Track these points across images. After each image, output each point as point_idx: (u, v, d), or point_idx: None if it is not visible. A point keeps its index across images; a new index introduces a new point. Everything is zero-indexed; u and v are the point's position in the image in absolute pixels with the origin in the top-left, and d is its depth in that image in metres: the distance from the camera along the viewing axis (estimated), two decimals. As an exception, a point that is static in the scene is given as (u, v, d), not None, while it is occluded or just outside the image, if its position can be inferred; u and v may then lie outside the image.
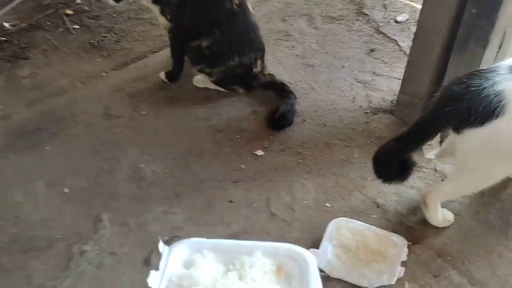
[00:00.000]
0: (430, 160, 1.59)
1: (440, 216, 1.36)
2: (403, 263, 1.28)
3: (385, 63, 2.00)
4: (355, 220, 1.38)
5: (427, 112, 1.23)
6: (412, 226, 1.40)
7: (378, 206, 1.46)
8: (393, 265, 1.26)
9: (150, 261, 1.31)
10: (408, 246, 1.33)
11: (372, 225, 1.38)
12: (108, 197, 1.49)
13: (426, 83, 1.57)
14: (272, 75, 1.85)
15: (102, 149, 1.65)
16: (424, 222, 1.40)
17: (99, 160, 1.61)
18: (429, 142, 1.61)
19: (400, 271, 1.24)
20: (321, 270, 1.27)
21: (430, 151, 1.61)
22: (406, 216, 1.43)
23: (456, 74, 1.48)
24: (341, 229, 1.35)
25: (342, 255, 1.30)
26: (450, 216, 1.39)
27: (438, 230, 1.38)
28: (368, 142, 1.67)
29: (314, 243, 1.33)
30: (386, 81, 1.91)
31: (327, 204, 1.47)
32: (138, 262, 1.32)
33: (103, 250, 1.35)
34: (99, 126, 1.73)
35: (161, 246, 0.87)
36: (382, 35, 2.16)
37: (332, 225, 1.35)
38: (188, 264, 0.84)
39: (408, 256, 1.30)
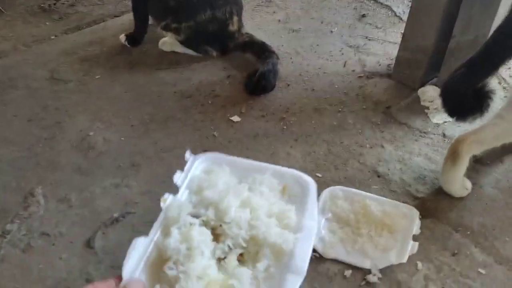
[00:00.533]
0: (437, 124, 1.34)
1: (459, 181, 1.11)
2: (415, 238, 1.01)
3: (379, 28, 1.78)
4: (354, 189, 1.11)
5: (500, 28, 0.97)
6: (422, 197, 1.14)
7: (379, 176, 1.20)
8: (404, 240, 0.99)
9: (93, 242, 1.02)
10: (419, 220, 1.07)
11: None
12: (46, 169, 1.20)
13: (432, 34, 1.34)
14: (250, 34, 1.60)
15: (43, 115, 1.36)
16: (436, 193, 1.15)
17: (38, 128, 1.31)
18: (435, 106, 1.38)
19: (412, 246, 0.97)
20: (313, 250, 1.00)
21: (436, 115, 1.37)
22: (413, 186, 1.17)
23: (469, 20, 1.26)
24: (337, 200, 1.08)
25: (338, 230, 1.03)
26: (468, 184, 1.13)
27: (453, 201, 1.13)
28: (364, 107, 1.42)
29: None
30: (381, 46, 1.68)
31: (318, 174, 1.20)
32: (78, 244, 1.02)
33: (32, 230, 1.05)
34: (42, 92, 1.45)
35: (188, 154, 0.95)
36: (373, 1, 1.94)
37: (326, 194, 1.09)
38: (208, 171, 0.93)
39: (420, 230, 1.04)
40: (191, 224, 0.79)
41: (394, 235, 1.01)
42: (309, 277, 0.97)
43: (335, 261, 0.99)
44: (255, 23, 1.79)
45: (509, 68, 1.53)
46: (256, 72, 1.45)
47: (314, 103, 1.44)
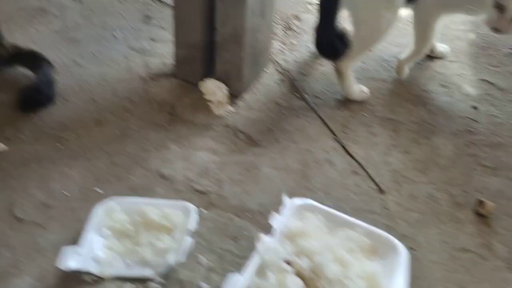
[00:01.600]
0: (220, 117, 1.38)
1: (356, 87, 1.42)
2: (197, 234, 1.02)
3: (164, 29, 1.76)
4: (130, 198, 1.07)
5: None
6: (205, 190, 1.16)
7: (164, 178, 1.18)
8: (181, 239, 0.98)
9: None
10: (201, 213, 1.08)
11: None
12: None
13: (198, 30, 1.36)
14: (15, 45, 1.43)
15: None
16: (218, 183, 1.17)
17: None
18: (218, 98, 1.42)
19: (187, 244, 0.97)
20: (89, 273, 0.93)
21: (219, 107, 1.40)
22: (197, 181, 1.18)
23: (226, 14, 1.31)
24: (113, 213, 1.03)
25: (116, 245, 0.98)
26: (364, 89, 1.43)
27: (234, 188, 1.16)
28: (148, 110, 1.39)
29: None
30: (166, 46, 1.66)
31: (98, 190, 1.13)
32: None
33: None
34: None
35: (284, 197, 0.96)
36: (158, 1, 1.92)
37: (99, 210, 1.02)
38: (301, 218, 0.93)
39: (200, 224, 1.05)
40: (285, 271, 0.80)
41: (174, 235, 1.00)
42: (85, 304, 0.90)
43: (116, 279, 0.94)
44: (27, 37, 1.62)
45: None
46: (29, 86, 1.31)
47: (95, 115, 1.36)
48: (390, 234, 1.03)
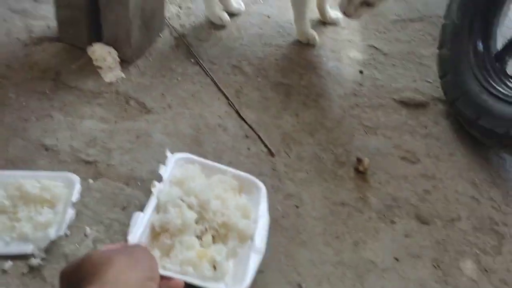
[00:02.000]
0: (110, 83, 1.32)
1: (218, 13, 1.55)
2: (81, 204, 0.99)
3: (49, -12, 1.62)
4: (5, 172, 1.01)
5: None
6: (93, 160, 1.12)
7: (47, 149, 1.12)
8: (63, 211, 0.95)
9: None
10: (88, 184, 1.05)
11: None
12: None
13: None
14: None
15: None
16: (107, 153, 1.14)
17: None
18: (107, 64, 1.36)
19: (70, 216, 0.94)
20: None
21: (109, 73, 1.34)
22: (83, 151, 1.13)
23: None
24: (-14, 189, 0.96)
25: (-9, 222, 0.92)
26: (225, 18, 1.57)
27: (123, 157, 1.14)
28: (28, 77, 1.29)
29: None
30: (51, 7, 1.52)
31: (-30, 164, 1.05)
32: None
33: None
34: None
35: (167, 152, 1.08)
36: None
37: (-31, 186, 0.95)
38: (184, 168, 1.08)
39: (87, 195, 1.02)
40: (181, 205, 0.96)
41: (56, 208, 0.96)
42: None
43: (-7, 260, 0.89)
44: None
45: None
46: None
47: (-34, 82, 1.24)
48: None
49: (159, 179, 1.02)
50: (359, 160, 1.21)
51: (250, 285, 0.88)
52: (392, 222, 1.11)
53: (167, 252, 0.91)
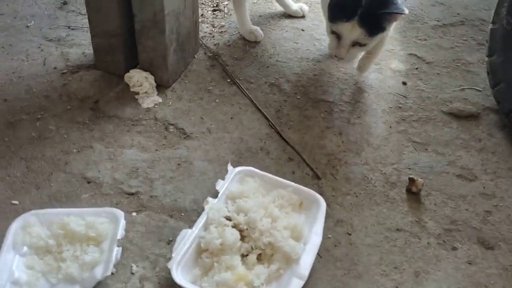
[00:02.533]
0: (148, 109, 1.30)
1: (248, 27, 1.52)
2: (124, 241, 0.96)
3: (83, 14, 1.63)
4: (49, 210, 0.99)
5: None
6: (136, 191, 1.09)
7: (89, 182, 1.10)
8: (109, 249, 0.92)
9: None
10: (131, 218, 1.02)
11: (83, 207, 1.03)
12: None
13: (115, 17, 1.26)
14: None
15: None
16: (149, 183, 1.11)
17: None
18: (144, 89, 1.34)
19: (116, 253, 0.91)
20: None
21: (146, 99, 1.32)
22: (126, 182, 1.11)
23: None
24: (31, 228, 0.94)
25: (38, 263, 0.90)
26: (259, 34, 1.53)
27: (165, 186, 1.11)
28: (68, 107, 1.28)
29: (-4, 262, 0.89)
30: (86, 34, 1.53)
31: (15, 202, 1.04)
32: None
33: None
34: None
35: (229, 165, 1.11)
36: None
37: (15, 225, 0.93)
38: (242, 182, 1.09)
39: (131, 229, 0.99)
40: (225, 225, 0.96)
41: (101, 246, 0.93)
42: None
43: (39, 300, 0.87)
44: None
45: None
46: None
47: (7, 116, 1.24)
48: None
49: (215, 195, 1.04)
50: (412, 181, 1.14)
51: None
52: (454, 248, 1.03)
53: (206, 271, 0.92)
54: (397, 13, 1.16)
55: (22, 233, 0.93)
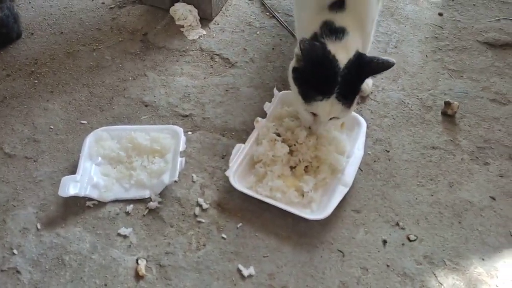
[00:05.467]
0: (193, 41, 1.37)
1: None
2: (183, 154, 1.07)
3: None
4: (117, 126, 1.10)
5: None
6: (189, 113, 1.19)
7: (146, 105, 1.20)
8: (173, 160, 1.03)
9: None
10: (188, 135, 1.12)
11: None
12: None
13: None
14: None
15: None
16: (201, 106, 1.20)
17: None
18: (189, 22, 1.40)
19: (180, 163, 1.02)
20: (89, 199, 0.98)
21: (191, 31, 1.39)
22: (179, 106, 1.20)
23: None
24: (103, 142, 1.06)
25: (111, 172, 1.02)
26: None
27: (217, 110, 1.20)
28: (120, 39, 1.36)
29: (75, 170, 1.01)
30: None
31: (83, 121, 1.15)
32: None
33: None
34: None
35: (275, 90, 1.19)
36: None
37: (89, 140, 1.05)
38: (284, 104, 1.17)
39: (188, 145, 1.10)
40: (275, 139, 1.06)
41: (165, 158, 1.04)
42: (91, 225, 0.96)
43: (116, 201, 1.00)
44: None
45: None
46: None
47: (66, 47, 1.33)
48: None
49: (263, 116, 1.12)
50: (448, 104, 1.20)
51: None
52: (486, 163, 1.11)
53: (260, 178, 1.02)
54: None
55: (96, 146, 1.04)
